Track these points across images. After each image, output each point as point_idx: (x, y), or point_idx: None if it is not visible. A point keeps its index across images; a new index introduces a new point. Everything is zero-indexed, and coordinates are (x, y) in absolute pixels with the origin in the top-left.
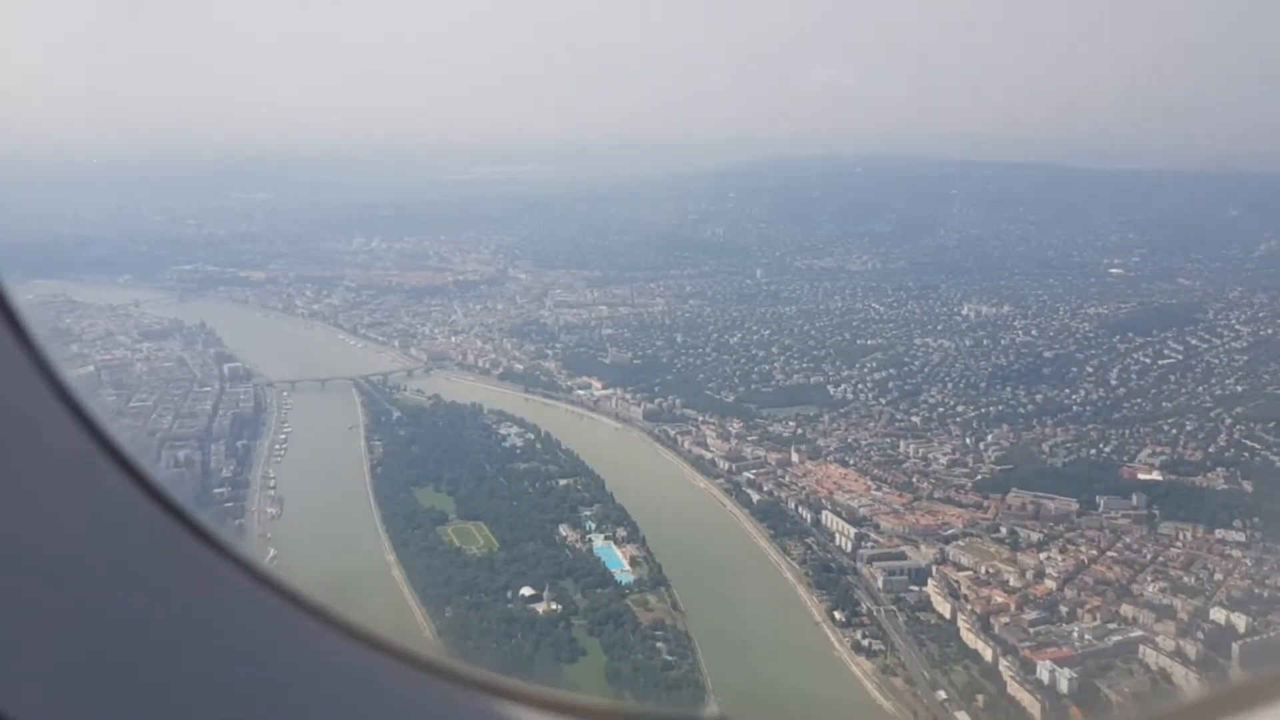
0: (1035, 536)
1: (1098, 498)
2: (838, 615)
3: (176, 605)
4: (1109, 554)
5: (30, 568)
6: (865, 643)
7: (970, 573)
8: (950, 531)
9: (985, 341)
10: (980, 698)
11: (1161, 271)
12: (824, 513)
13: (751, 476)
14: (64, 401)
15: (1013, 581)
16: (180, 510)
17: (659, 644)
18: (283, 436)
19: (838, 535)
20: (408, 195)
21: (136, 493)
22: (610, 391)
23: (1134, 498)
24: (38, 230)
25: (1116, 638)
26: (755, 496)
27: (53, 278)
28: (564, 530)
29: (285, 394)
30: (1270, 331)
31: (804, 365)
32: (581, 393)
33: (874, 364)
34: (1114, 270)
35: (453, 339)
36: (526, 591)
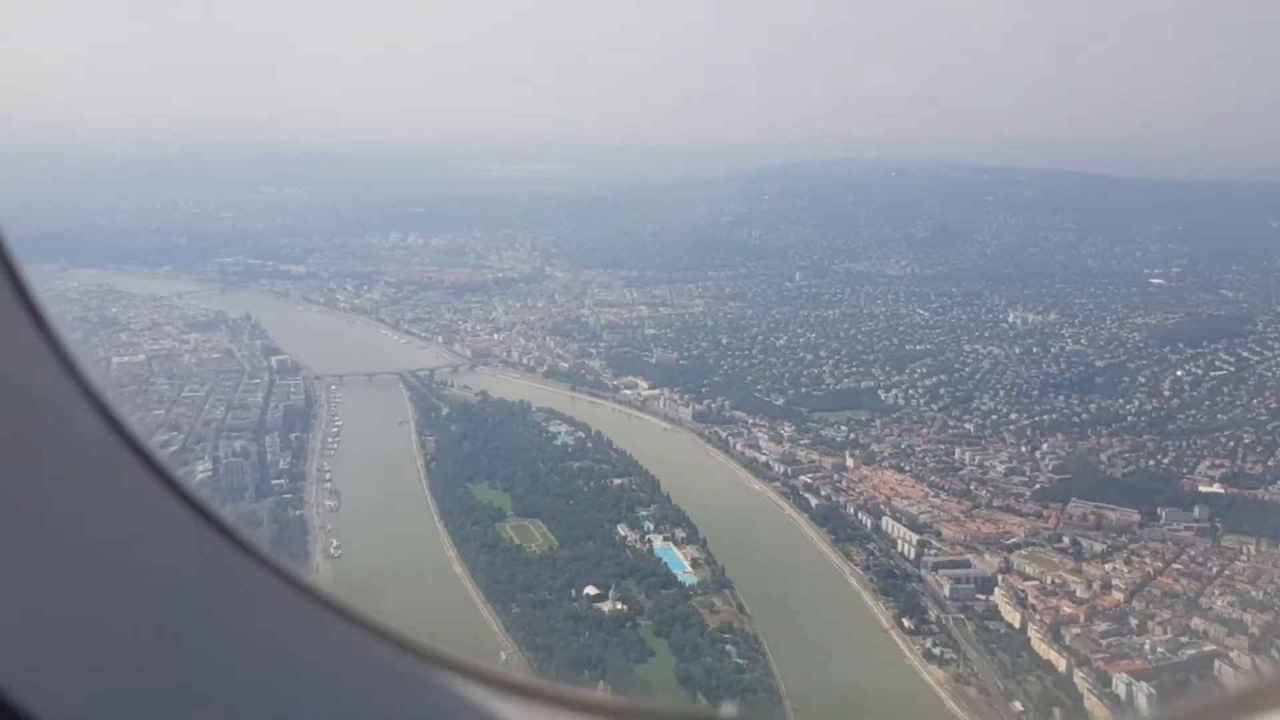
0: (1098, 547)
1: (1159, 509)
2: (906, 623)
3: (199, 602)
4: (1174, 566)
5: (54, 565)
6: (936, 651)
7: (1036, 582)
8: (1012, 540)
9: (1035, 349)
10: (1057, 710)
11: (1203, 283)
12: (884, 518)
13: (808, 480)
14: (87, 396)
15: (1080, 592)
16: (203, 506)
17: (728, 647)
18: (334, 430)
19: (900, 541)
20: (439, 192)
21: (159, 487)
22: (657, 392)
23: (1196, 510)
24: (76, 221)
25: (1190, 652)
26: (813, 501)
27: (94, 267)
28: (622, 530)
29: (333, 387)
30: None
31: (854, 369)
32: (628, 392)
33: (924, 370)
34: (1155, 280)
35: (495, 336)
36: (591, 590)
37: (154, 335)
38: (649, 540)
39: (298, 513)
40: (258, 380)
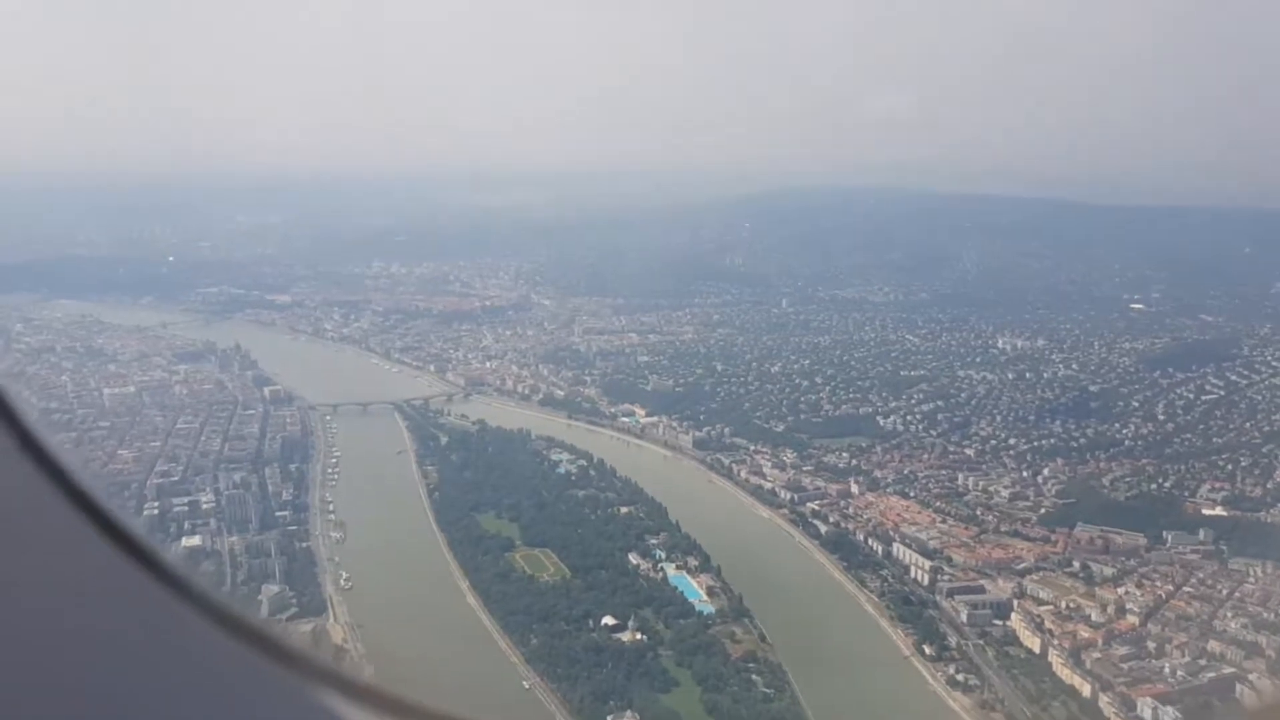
0: (1108, 571)
1: (1164, 533)
2: (927, 649)
3: (163, 669)
4: (1185, 589)
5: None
6: (960, 677)
7: (1050, 607)
8: (1022, 565)
9: (1028, 375)
10: None
11: (1182, 307)
12: (895, 545)
13: (815, 507)
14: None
15: (1095, 616)
16: (159, 563)
17: (754, 676)
18: (333, 460)
19: (912, 568)
20: (419, 221)
21: (115, 552)
22: (656, 419)
23: (1200, 533)
24: (52, 252)
25: (1210, 674)
26: (823, 527)
27: (76, 298)
28: (634, 558)
29: (328, 417)
30: None
31: (851, 396)
32: (625, 419)
33: (920, 395)
34: (1135, 305)
35: (487, 364)
36: (609, 620)
37: (143, 366)
38: (662, 569)
39: (304, 545)
40: (252, 411)
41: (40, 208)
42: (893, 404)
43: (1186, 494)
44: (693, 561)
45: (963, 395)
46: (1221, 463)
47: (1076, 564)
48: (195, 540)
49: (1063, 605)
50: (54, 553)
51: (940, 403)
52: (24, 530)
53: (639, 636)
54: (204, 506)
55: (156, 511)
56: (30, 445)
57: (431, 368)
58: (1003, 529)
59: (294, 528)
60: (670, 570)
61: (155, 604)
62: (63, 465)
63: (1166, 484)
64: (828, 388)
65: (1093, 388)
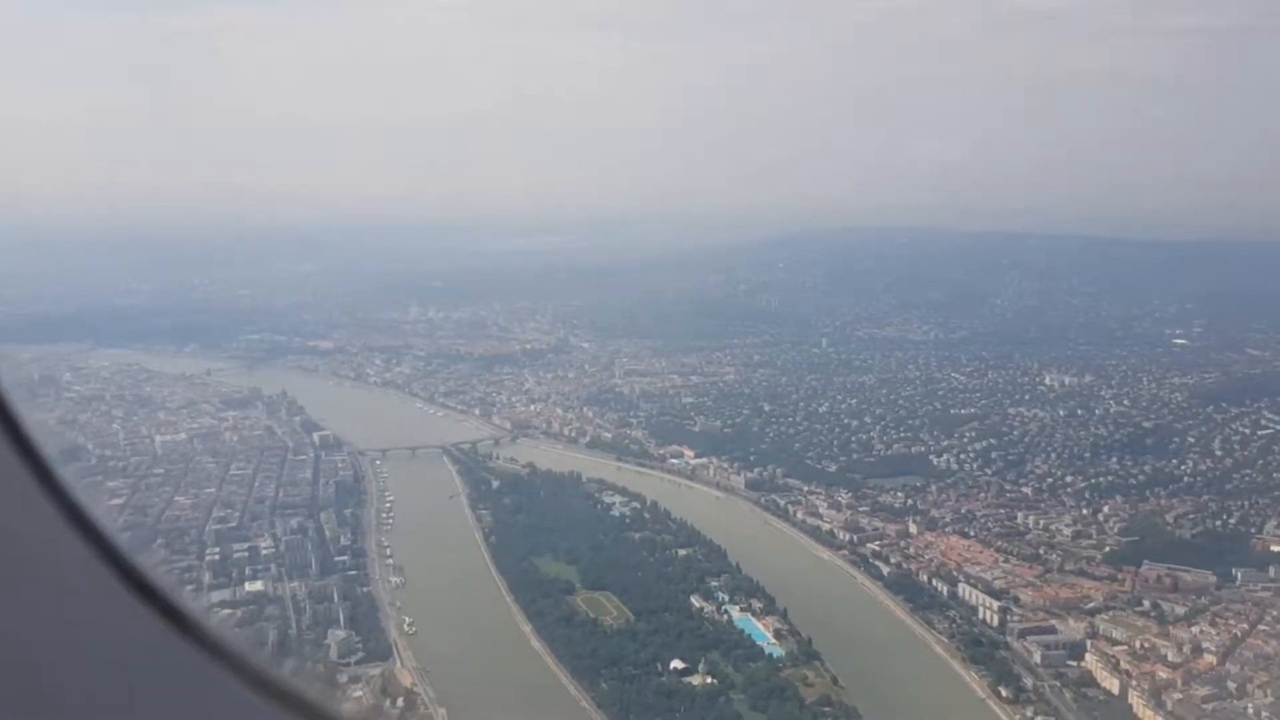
0: (1180, 610)
1: (1233, 570)
2: (1003, 691)
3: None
4: (1260, 627)
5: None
6: None
7: (1124, 647)
8: (1091, 605)
9: (1079, 411)
10: None
11: (1227, 342)
12: (960, 585)
13: (876, 548)
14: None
15: (1171, 656)
16: (181, 615)
17: None
18: (387, 504)
19: (980, 608)
20: (452, 266)
21: (138, 603)
22: (706, 460)
23: (1271, 570)
24: (96, 302)
25: None
26: (885, 569)
27: (121, 347)
28: (696, 601)
29: (378, 462)
30: None
31: (902, 435)
32: (674, 461)
33: (972, 434)
34: (1178, 341)
35: (532, 407)
36: (677, 664)
37: (191, 413)
38: (726, 612)
39: (365, 589)
40: (303, 456)
41: (81, 259)
42: (945, 442)
43: (1253, 530)
44: (757, 604)
45: (1015, 433)
46: None
47: (1146, 603)
48: (258, 585)
49: (1137, 645)
50: (65, 584)
51: (993, 440)
52: (38, 562)
53: (709, 680)
54: (264, 552)
55: (218, 557)
56: (49, 482)
57: (476, 411)
58: (1067, 568)
59: (353, 572)
60: (735, 613)
61: (165, 646)
62: (83, 507)
63: (1231, 521)
64: (878, 427)
65: (1146, 424)
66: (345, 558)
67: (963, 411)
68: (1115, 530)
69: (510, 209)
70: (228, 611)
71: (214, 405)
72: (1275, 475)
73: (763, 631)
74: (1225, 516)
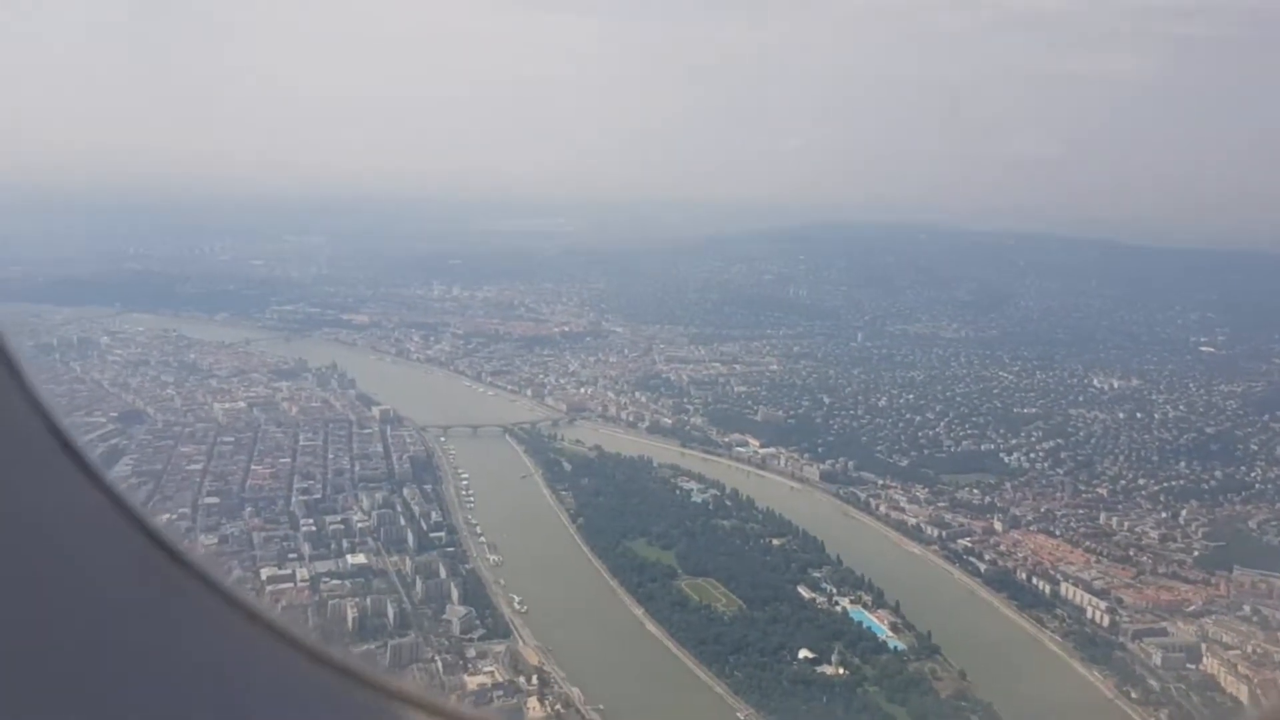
0: None
1: None
2: (1132, 693)
3: (169, 645)
4: None
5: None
6: None
7: (1238, 651)
8: (1192, 608)
9: (1138, 415)
10: None
11: (1254, 350)
12: (1062, 584)
13: (968, 544)
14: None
15: None
16: (146, 523)
17: (970, 715)
18: (464, 482)
19: (1087, 608)
20: (465, 245)
21: (129, 528)
22: (774, 450)
23: None
24: (108, 266)
25: None
26: (981, 565)
27: (148, 311)
28: (804, 591)
29: (442, 439)
30: None
31: (969, 432)
32: (740, 449)
33: (1038, 433)
34: (1205, 348)
35: (582, 390)
36: (806, 654)
37: (243, 382)
38: (839, 603)
39: (467, 566)
40: (369, 430)
41: (80, 223)
42: (1013, 441)
43: None
44: (866, 597)
45: (1080, 434)
46: None
47: (1246, 608)
48: (360, 559)
49: (1248, 649)
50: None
51: (1060, 440)
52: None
53: (841, 671)
54: (358, 525)
55: (313, 528)
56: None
57: (528, 392)
58: (1160, 570)
59: (451, 549)
60: (846, 604)
61: (171, 584)
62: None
63: None
64: (942, 423)
65: (1209, 430)
66: (441, 534)
67: (1025, 411)
68: (1199, 535)
69: (505, 191)
70: (335, 583)
71: (264, 375)
72: None
73: (879, 625)
74: None
